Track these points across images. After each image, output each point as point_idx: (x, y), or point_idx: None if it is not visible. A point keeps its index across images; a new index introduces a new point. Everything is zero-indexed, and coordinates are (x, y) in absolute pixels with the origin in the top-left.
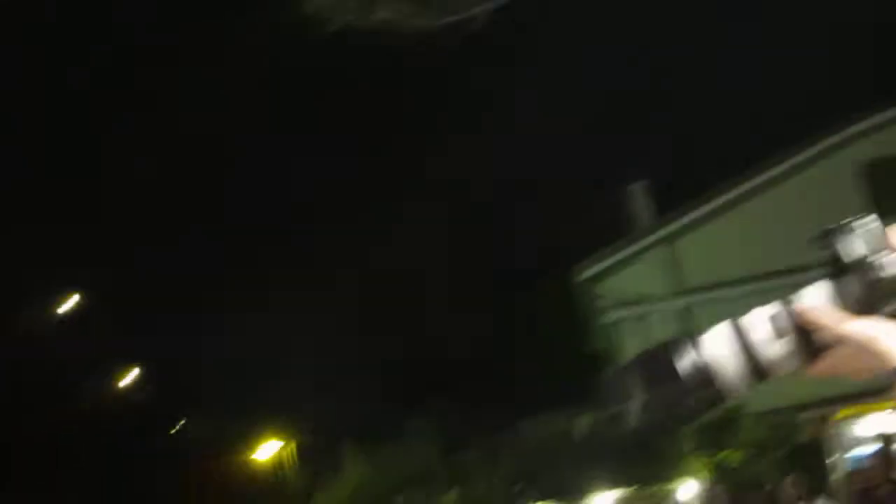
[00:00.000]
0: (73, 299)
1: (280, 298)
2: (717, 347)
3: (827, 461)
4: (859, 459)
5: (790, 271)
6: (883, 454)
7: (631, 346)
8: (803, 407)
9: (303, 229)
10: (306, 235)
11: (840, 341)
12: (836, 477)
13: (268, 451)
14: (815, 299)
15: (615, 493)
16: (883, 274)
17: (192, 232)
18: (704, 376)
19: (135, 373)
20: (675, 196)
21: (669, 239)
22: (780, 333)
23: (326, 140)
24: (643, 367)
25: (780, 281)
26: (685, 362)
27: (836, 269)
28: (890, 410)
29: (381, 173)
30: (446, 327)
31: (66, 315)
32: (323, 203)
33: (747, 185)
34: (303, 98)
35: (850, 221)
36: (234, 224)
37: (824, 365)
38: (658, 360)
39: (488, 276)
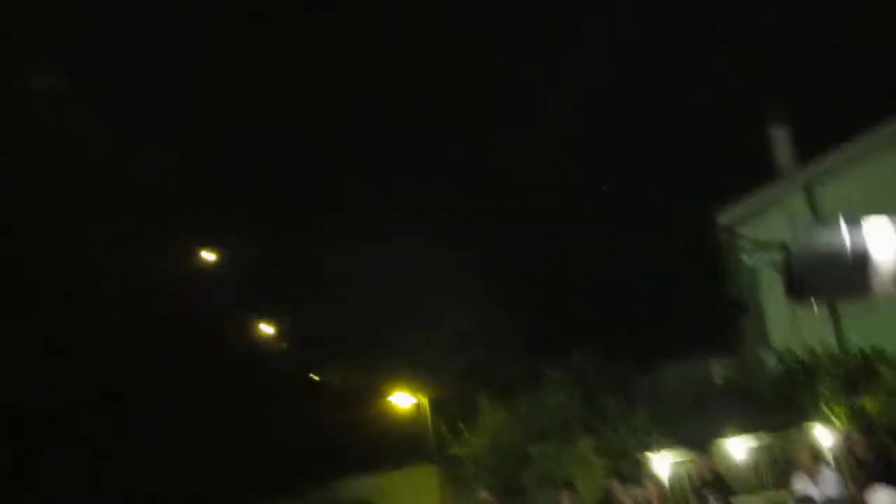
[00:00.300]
0: (222, 251)
1: (418, 247)
2: (876, 236)
3: None
4: None
5: None
6: None
7: (771, 292)
8: None
9: (435, 186)
10: (437, 190)
11: None
12: None
13: (405, 400)
14: None
15: (752, 440)
16: None
17: (338, 189)
18: (859, 260)
19: (275, 322)
20: (817, 141)
21: (811, 184)
22: None
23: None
24: (806, 239)
25: None
26: (844, 241)
27: None
28: None
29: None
30: (583, 274)
31: (214, 265)
32: (461, 152)
33: (890, 131)
34: None
35: None
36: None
37: None
38: (821, 236)
39: (625, 221)
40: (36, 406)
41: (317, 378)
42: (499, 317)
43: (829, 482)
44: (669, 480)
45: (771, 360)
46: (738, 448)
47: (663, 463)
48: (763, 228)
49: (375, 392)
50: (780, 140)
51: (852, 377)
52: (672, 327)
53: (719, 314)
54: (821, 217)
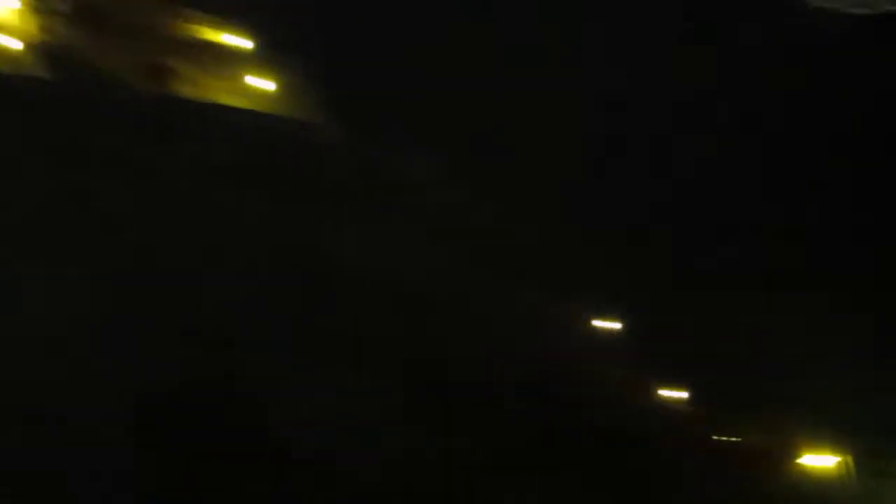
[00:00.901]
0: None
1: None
2: None
3: None
4: None
5: None
6: None
7: None
8: None
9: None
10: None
11: None
12: None
13: (820, 460)
14: None
15: None
16: None
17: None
18: None
19: (677, 385)
20: None
21: None
22: None
23: None
24: None
25: None
26: None
27: None
28: None
29: None
30: None
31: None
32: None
33: None
34: None
35: None
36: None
37: None
38: None
39: None
40: None
41: (724, 440)
42: None
43: None
44: None
45: None
46: None
47: None
48: None
49: (787, 452)
50: None
51: None
52: None
53: None
54: None
